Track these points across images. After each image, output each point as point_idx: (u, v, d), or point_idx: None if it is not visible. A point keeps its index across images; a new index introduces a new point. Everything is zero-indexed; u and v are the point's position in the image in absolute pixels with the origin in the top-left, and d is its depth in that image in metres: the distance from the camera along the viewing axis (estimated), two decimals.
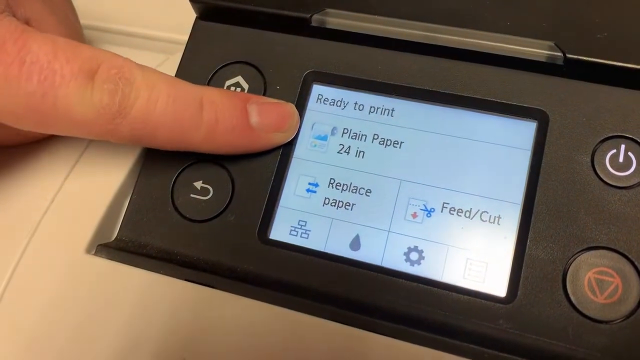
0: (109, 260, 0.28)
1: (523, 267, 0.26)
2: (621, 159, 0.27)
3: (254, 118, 0.28)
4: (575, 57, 0.27)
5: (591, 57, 0.27)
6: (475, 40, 0.28)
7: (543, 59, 0.27)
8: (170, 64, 0.37)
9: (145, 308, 0.27)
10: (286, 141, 0.29)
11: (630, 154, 0.27)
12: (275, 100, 0.29)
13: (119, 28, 0.40)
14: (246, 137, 0.28)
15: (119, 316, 0.27)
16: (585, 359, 0.24)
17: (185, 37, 0.33)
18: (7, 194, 0.31)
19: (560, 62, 0.27)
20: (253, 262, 0.28)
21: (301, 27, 0.30)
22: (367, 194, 0.28)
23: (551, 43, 0.27)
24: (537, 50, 0.27)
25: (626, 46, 0.27)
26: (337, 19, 0.30)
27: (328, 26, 0.30)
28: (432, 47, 0.29)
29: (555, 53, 0.27)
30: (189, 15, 0.33)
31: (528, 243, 0.26)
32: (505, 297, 0.26)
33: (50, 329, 0.27)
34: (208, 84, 0.31)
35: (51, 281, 0.28)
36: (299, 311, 0.26)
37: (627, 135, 0.27)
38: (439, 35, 0.29)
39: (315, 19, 0.30)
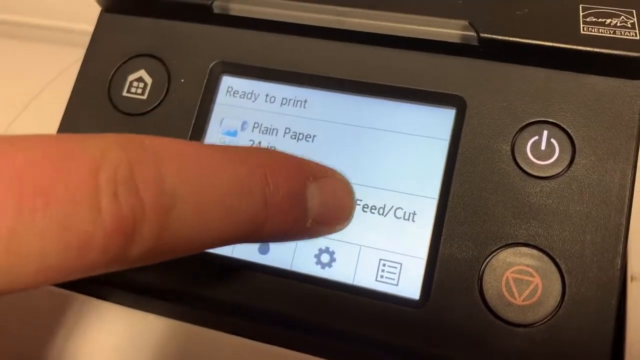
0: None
1: (436, 268, 0.24)
2: (543, 146, 0.24)
3: (313, 210, 0.20)
4: (489, 36, 0.25)
5: (507, 36, 0.24)
6: (386, 23, 0.26)
7: (457, 40, 0.25)
8: None
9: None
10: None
11: (553, 140, 0.24)
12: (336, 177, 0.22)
13: (35, 22, 0.38)
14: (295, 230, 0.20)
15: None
16: None
17: None
18: None
19: (474, 43, 0.25)
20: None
21: (204, 16, 0.28)
22: None
23: (465, 22, 0.25)
24: (450, 30, 0.25)
25: (547, 22, 0.25)
26: (240, 5, 0.27)
27: (232, 13, 0.28)
28: (343, 32, 0.27)
29: (469, 33, 0.25)
30: None
31: (441, 241, 0.24)
32: (418, 300, 0.24)
33: None
34: (111, 80, 0.29)
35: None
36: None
37: (550, 120, 0.24)
38: (349, 19, 0.26)
39: (217, 5, 0.27)
